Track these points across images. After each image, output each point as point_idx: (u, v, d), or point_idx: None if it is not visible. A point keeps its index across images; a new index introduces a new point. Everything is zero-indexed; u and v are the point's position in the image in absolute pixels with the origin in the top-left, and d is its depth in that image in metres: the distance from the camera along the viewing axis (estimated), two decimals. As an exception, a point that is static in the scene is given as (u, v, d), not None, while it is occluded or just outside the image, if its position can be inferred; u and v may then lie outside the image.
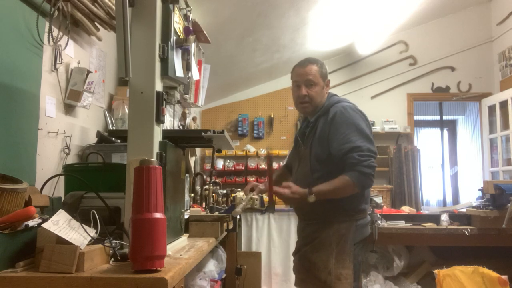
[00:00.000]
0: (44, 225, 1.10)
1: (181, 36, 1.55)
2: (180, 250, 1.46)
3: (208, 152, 5.56)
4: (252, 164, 5.56)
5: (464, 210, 3.00)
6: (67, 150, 2.09)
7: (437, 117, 6.86)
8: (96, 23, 2.24)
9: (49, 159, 1.97)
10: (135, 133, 1.32)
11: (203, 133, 1.62)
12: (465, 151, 6.63)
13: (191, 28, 1.60)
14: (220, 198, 3.39)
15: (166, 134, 1.46)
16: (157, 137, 1.35)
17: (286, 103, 5.74)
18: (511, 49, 5.17)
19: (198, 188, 3.20)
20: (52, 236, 1.09)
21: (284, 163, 2.48)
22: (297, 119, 5.73)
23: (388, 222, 2.86)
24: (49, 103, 1.95)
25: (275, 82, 5.75)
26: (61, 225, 1.13)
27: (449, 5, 5.38)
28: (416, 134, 6.46)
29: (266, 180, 2.16)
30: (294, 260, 2.14)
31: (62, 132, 2.05)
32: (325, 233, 1.94)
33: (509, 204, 2.58)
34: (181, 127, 3.57)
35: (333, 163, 1.92)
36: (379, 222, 2.79)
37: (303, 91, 1.99)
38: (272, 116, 5.73)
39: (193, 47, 2.06)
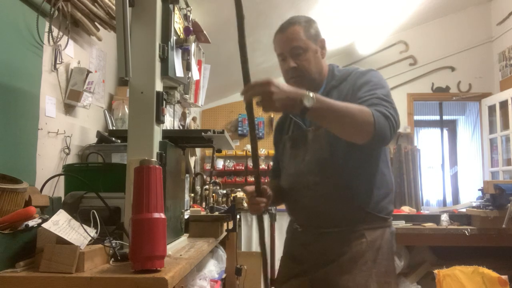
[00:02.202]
0: (44, 225, 1.10)
1: (181, 36, 1.55)
2: (180, 250, 1.46)
3: (208, 152, 5.56)
4: (252, 164, 5.56)
5: (464, 210, 3.00)
6: (67, 150, 2.09)
7: (437, 117, 6.86)
8: (96, 23, 2.24)
9: (49, 159, 1.97)
10: (135, 133, 1.32)
11: (203, 133, 1.62)
12: (465, 151, 6.63)
13: (191, 28, 1.60)
14: (220, 198, 3.39)
15: (166, 134, 1.46)
16: (157, 137, 1.35)
17: (286, 103, 5.74)
18: (511, 49, 5.17)
19: (198, 188, 3.21)
20: (52, 236, 1.09)
21: (272, 169, 1.81)
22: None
23: (388, 222, 2.86)
24: (49, 103, 1.95)
25: (275, 82, 5.75)
26: (61, 225, 1.13)
27: (449, 5, 5.38)
28: (416, 134, 6.46)
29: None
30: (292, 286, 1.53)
31: (62, 132, 2.05)
32: (355, 246, 1.42)
33: (509, 204, 2.58)
34: (181, 127, 3.57)
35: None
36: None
37: (290, 64, 1.49)
38: (272, 116, 5.73)
39: (193, 47, 2.06)
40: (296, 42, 1.49)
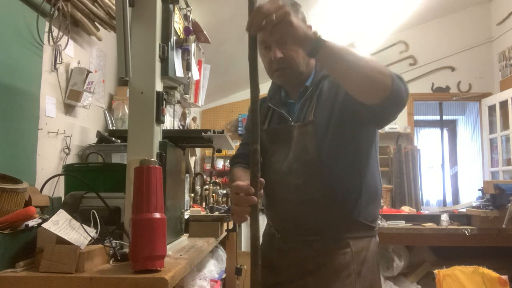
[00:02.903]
0: (44, 225, 1.10)
1: (181, 36, 1.55)
2: (180, 250, 1.46)
3: (208, 152, 5.56)
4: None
5: (464, 210, 3.00)
6: (67, 150, 2.09)
7: (437, 117, 6.87)
8: (96, 23, 2.24)
9: (49, 159, 1.97)
10: (135, 133, 1.32)
11: (203, 133, 1.62)
12: (465, 151, 6.63)
13: (191, 28, 1.60)
14: (220, 198, 3.39)
15: (166, 134, 1.46)
16: (157, 137, 1.35)
17: (286, 103, 5.75)
18: (511, 49, 5.17)
19: (198, 188, 3.21)
20: (52, 236, 1.09)
21: (237, 154, 1.60)
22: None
23: (388, 222, 2.86)
24: (49, 103, 1.95)
25: (275, 82, 5.75)
26: (61, 225, 1.13)
27: (449, 5, 5.38)
28: (416, 134, 6.47)
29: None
30: None
31: (62, 132, 2.05)
32: (339, 257, 1.28)
33: (509, 204, 2.58)
34: (181, 127, 3.57)
35: (359, 140, 1.31)
36: (379, 222, 2.79)
37: (276, 54, 1.30)
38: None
39: (193, 47, 2.06)
40: None
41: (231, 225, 2.21)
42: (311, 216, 1.31)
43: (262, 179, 1.07)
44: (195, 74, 1.85)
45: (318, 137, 1.29)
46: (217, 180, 4.59)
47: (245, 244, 4.63)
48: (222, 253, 2.60)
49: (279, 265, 1.38)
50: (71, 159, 2.14)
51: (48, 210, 1.40)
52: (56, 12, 1.90)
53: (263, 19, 1.00)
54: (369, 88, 1.10)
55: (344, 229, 1.30)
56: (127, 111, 2.54)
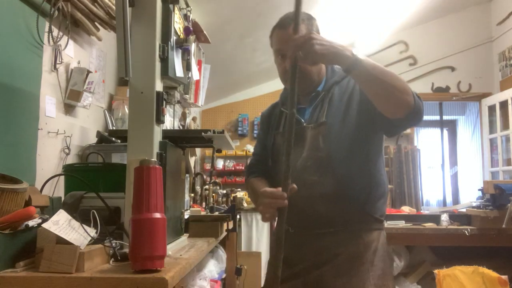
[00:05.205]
0: (44, 225, 1.10)
1: (181, 36, 1.55)
2: (180, 250, 1.46)
3: (208, 152, 5.56)
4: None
5: (464, 210, 3.00)
6: (67, 150, 2.09)
7: (437, 117, 6.86)
8: (96, 23, 2.24)
9: (49, 159, 1.97)
10: (135, 133, 1.32)
11: (203, 133, 1.62)
12: (465, 151, 6.63)
13: (191, 28, 1.60)
14: (220, 198, 3.40)
15: (166, 134, 1.46)
16: (157, 137, 1.35)
17: (286, 103, 5.74)
18: (511, 49, 5.17)
19: (198, 188, 3.21)
20: (52, 236, 1.09)
21: (250, 165, 1.70)
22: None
23: (388, 222, 2.86)
24: (49, 103, 1.95)
25: (275, 82, 5.74)
26: (61, 225, 1.13)
27: (449, 5, 5.38)
28: (416, 134, 6.46)
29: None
30: None
31: (62, 132, 2.05)
32: (352, 247, 1.38)
33: (509, 204, 2.58)
34: (181, 127, 3.57)
35: (370, 143, 1.42)
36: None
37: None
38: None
39: (193, 47, 2.06)
40: None
41: (231, 225, 2.21)
42: (326, 210, 1.39)
43: (294, 185, 1.20)
44: (195, 74, 1.85)
45: (331, 137, 1.38)
46: (217, 180, 4.59)
47: (245, 244, 4.63)
48: (222, 253, 2.59)
49: (293, 258, 1.43)
50: (71, 159, 2.14)
51: (48, 210, 1.40)
52: (56, 12, 1.90)
53: (296, 49, 1.17)
54: (395, 105, 1.24)
55: (356, 222, 1.40)
56: (127, 111, 2.54)
